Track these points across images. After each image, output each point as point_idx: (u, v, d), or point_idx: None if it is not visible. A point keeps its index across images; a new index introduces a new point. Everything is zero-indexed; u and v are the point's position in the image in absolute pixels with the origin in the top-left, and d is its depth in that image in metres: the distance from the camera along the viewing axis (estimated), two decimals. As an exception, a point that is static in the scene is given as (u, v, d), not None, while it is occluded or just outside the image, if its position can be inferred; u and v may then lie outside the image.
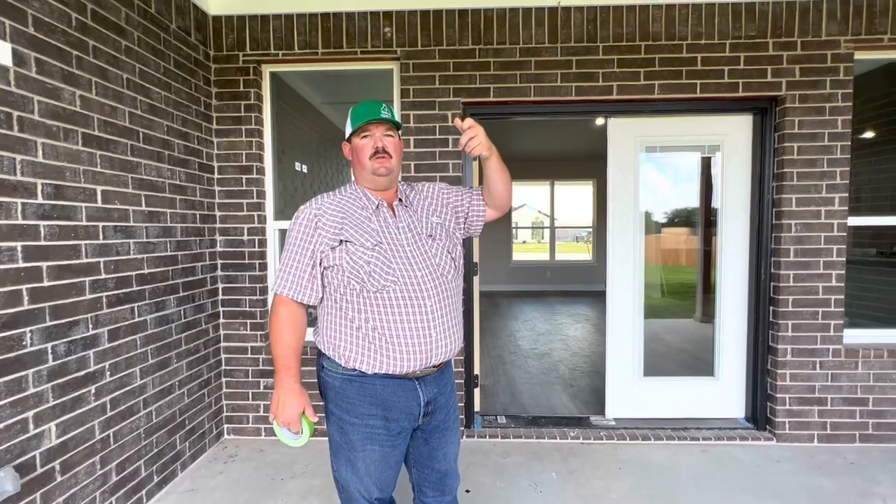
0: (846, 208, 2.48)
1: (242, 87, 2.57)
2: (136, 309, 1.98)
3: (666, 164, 2.94)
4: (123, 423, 1.91)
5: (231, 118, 2.59)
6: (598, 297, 7.35)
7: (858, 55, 2.46)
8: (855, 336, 2.57)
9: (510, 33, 2.51)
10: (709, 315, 2.92)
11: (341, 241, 1.15)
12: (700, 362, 2.88)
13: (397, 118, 1.52)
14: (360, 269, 1.13)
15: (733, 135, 2.66)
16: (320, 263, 1.17)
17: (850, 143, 2.46)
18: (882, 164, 3.45)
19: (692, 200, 3.03)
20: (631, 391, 2.79)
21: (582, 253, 11.25)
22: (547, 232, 9.11)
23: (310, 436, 1.19)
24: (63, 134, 1.63)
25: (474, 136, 1.16)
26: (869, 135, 3.48)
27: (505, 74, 2.53)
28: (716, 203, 2.75)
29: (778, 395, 2.54)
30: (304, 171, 4.01)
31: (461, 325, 1.29)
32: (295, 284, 1.17)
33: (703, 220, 2.99)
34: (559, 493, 2.11)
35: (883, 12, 2.39)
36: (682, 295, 3.73)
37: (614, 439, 2.61)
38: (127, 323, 1.93)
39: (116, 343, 1.87)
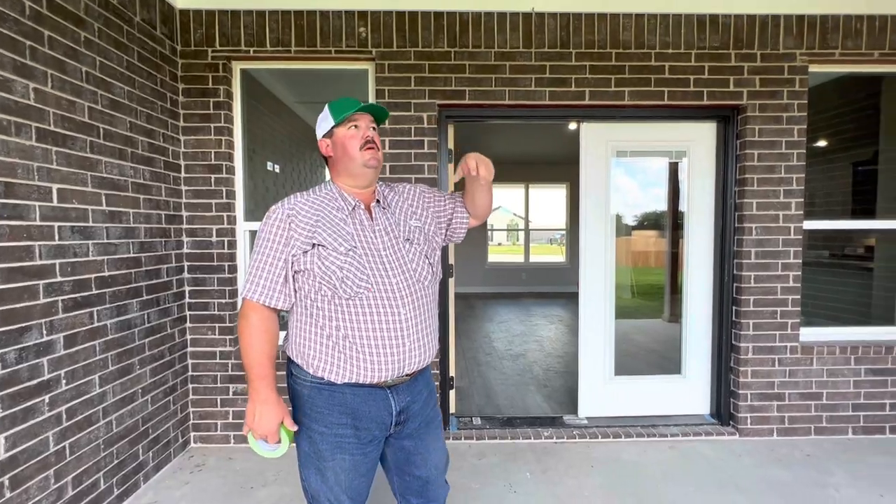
0: (802, 213, 2.61)
1: (211, 83, 2.50)
2: (95, 313, 1.89)
3: (636, 168, 3.03)
4: (81, 434, 1.81)
5: (199, 115, 2.51)
6: (571, 299, 7.49)
7: (813, 68, 2.60)
8: (810, 334, 2.70)
9: (485, 37, 2.53)
10: (676, 315, 3.01)
11: (314, 244, 1.10)
12: (668, 361, 2.97)
13: None
14: (333, 274, 1.09)
15: (699, 141, 2.77)
16: (292, 267, 1.12)
17: (805, 151, 2.59)
18: (834, 171, 3.67)
19: (661, 204, 3.13)
20: (603, 390, 2.85)
21: (556, 255, 11.46)
22: (522, 234, 9.21)
23: (289, 445, 1.13)
24: (15, 129, 1.54)
25: (484, 164, 1.21)
26: (822, 143, 3.68)
27: (480, 77, 2.54)
28: (683, 207, 2.85)
29: (740, 392, 2.65)
30: (277, 170, 3.93)
31: (437, 332, 1.26)
32: (266, 289, 1.11)
33: (671, 223, 3.09)
34: (533, 493, 2.13)
35: (834, 28, 2.54)
36: (652, 296, 3.85)
37: (587, 438, 2.66)
38: (85, 328, 1.84)
39: (73, 350, 1.78)
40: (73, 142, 1.79)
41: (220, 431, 2.59)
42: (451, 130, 2.75)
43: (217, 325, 2.56)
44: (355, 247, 1.13)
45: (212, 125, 2.51)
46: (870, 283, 3.25)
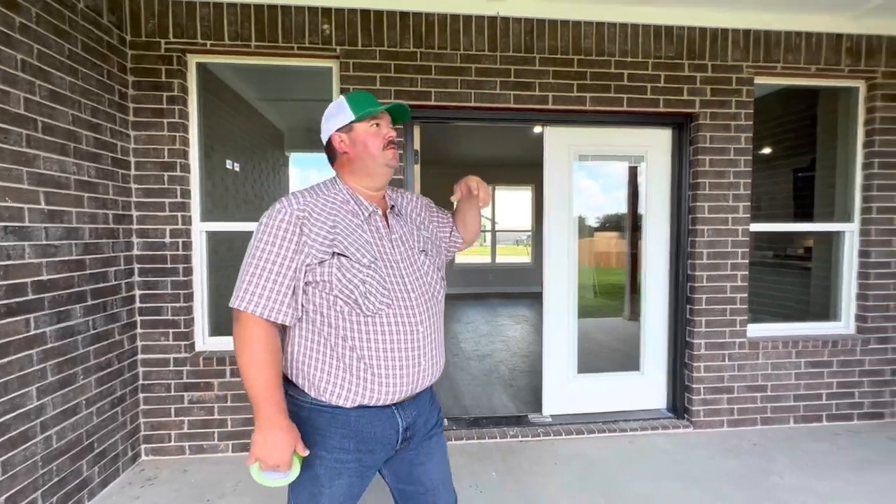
0: (749, 216, 2.77)
1: (165, 76, 2.38)
2: (31, 321, 1.75)
3: (598, 172, 3.13)
4: (15, 451, 1.67)
5: (151, 110, 2.38)
6: (537, 299, 7.61)
7: (758, 80, 2.77)
8: (756, 330, 2.87)
9: (451, 39, 2.54)
10: (636, 314, 3.13)
11: (334, 253, 0.99)
12: (628, 358, 3.07)
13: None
14: (355, 289, 0.99)
15: (656, 147, 2.88)
16: (304, 277, 1.00)
17: (751, 158, 2.75)
18: (777, 177, 3.92)
19: (621, 207, 3.24)
20: (566, 389, 2.92)
21: (522, 256, 11.65)
22: (489, 235, 9.31)
23: (298, 471, 1.00)
24: (-63, 119, 1.41)
25: (484, 187, 1.24)
26: (767, 151, 3.93)
27: (446, 79, 2.55)
28: (641, 209, 2.96)
29: (694, 386, 2.78)
30: (237, 169, 3.79)
31: (444, 347, 1.19)
32: (271, 301, 0.97)
33: (631, 225, 3.21)
34: (499, 492, 2.15)
35: (776, 44, 2.71)
36: (613, 295, 3.97)
37: (551, 435, 2.71)
38: (20, 337, 1.70)
39: (6, 360, 1.64)
40: (7, 135, 1.65)
41: (174, 443, 2.47)
42: (416, 131, 2.74)
43: (171, 330, 2.43)
44: (376, 259, 1.03)
45: (165, 120, 2.39)
46: (808, 281, 3.48)
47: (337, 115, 1.10)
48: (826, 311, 3.10)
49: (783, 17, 2.68)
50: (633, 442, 2.65)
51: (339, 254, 0.99)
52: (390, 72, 2.52)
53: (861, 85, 2.88)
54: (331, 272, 0.99)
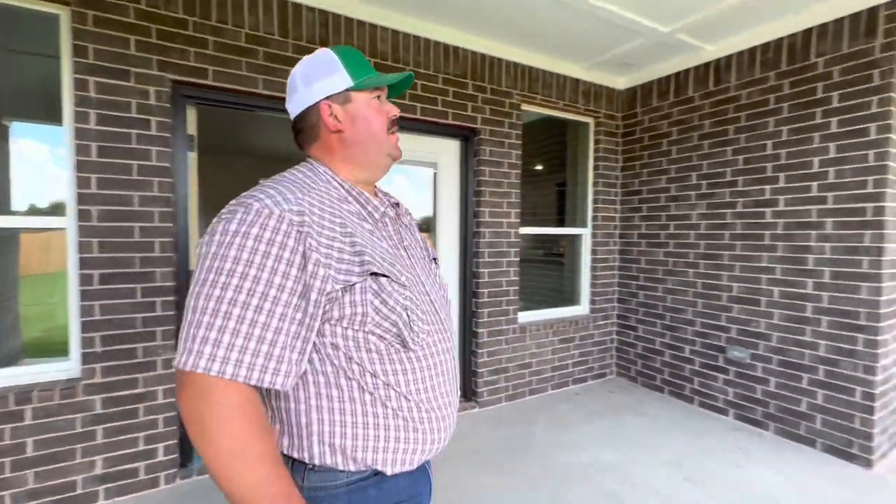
0: (520, 220, 3.28)
1: None
2: None
3: (413, 174, 3.25)
4: None
5: None
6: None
7: (524, 106, 3.30)
8: (525, 316, 3.43)
9: (233, 14, 2.25)
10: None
11: (371, 273, 0.72)
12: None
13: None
14: (398, 318, 0.74)
15: (447, 155, 3.15)
16: (322, 315, 0.70)
17: (521, 171, 3.27)
18: (545, 189, 4.78)
19: (429, 209, 3.44)
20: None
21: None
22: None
23: None
24: None
25: None
26: (538, 167, 4.74)
27: (228, 59, 2.25)
28: (436, 212, 3.19)
29: (479, 370, 3.15)
30: None
31: None
32: (266, 357, 0.65)
33: (435, 225, 3.43)
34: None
35: (536, 78, 3.28)
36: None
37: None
38: None
39: None
40: None
41: None
42: (191, 113, 2.34)
43: None
44: (404, 271, 0.79)
45: None
46: (563, 274, 4.36)
47: (328, 76, 0.81)
48: (573, 297, 3.92)
49: (541, 57, 3.26)
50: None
51: (376, 274, 0.73)
52: (151, 37, 2.08)
53: (591, 121, 3.73)
54: (364, 300, 0.71)
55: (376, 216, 0.82)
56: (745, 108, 2.91)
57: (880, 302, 2.38)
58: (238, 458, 0.63)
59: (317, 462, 0.74)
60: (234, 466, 0.63)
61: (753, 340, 2.88)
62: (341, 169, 0.84)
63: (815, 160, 2.60)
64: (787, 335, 2.72)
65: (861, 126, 2.42)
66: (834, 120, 2.53)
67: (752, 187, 2.89)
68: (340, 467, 0.74)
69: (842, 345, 2.51)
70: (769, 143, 2.80)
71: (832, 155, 2.53)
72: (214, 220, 0.70)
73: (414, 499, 0.81)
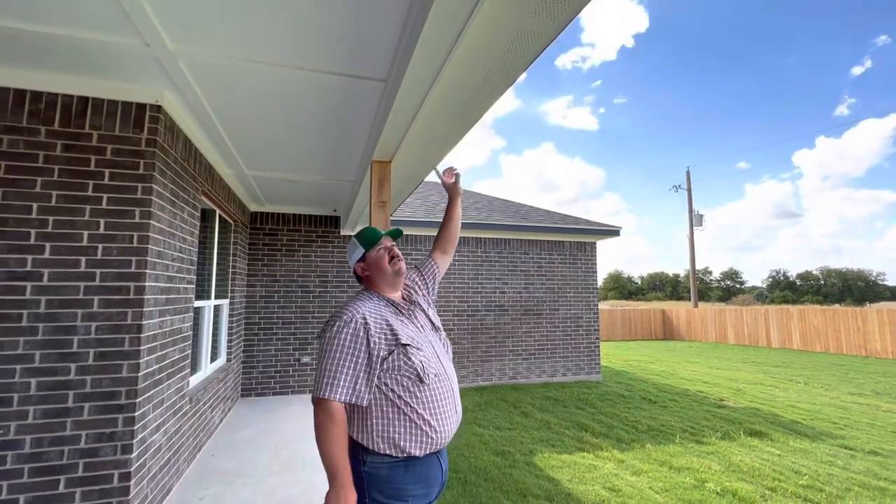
0: None
1: None
2: None
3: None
4: None
5: None
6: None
7: None
8: None
9: None
10: None
11: (400, 344, 1.41)
12: None
13: None
14: (418, 367, 1.40)
15: None
16: (378, 367, 1.38)
17: None
18: None
19: None
20: None
21: None
22: None
23: None
24: None
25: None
26: None
27: None
28: None
29: None
30: None
31: None
32: (350, 387, 1.36)
33: None
34: None
35: None
36: None
37: None
38: None
39: None
40: None
41: None
42: None
43: None
44: (423, 343, 1.48)
45: None
46: None
47: (353, 252, 1.64)
48: None
49: None
50: None
51: (404, 344, 1.41)
52: None
53: None
54: (398, 358, 1.39)
55: (403, 311, 1.54)
56: (5, 157, 2.36)
57: (139, 377, 2.47)
58: (335, 445, 1.32)
59: (374, 448, 1.37)
60: (332, 447, 1.32)
61: (1, 453, 2.22)
62: (380, 289, 1.60)
63: (86, 234, 2.45)
64: (45, 434, 2.29)
65: (128, 208, 2.53)
66: (105, 196, 2.50)
67: (9, 255, 2.32)
68: (389, 452, 1.37)
69: (103, 430, 2.38)
70: (35, 205, 2.38)
71: (102, 231, 2.48)
72: (327, 323, 1.46)
73: (429, 476, 1.42)
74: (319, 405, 1.33)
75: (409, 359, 1.38)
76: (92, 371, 2.39)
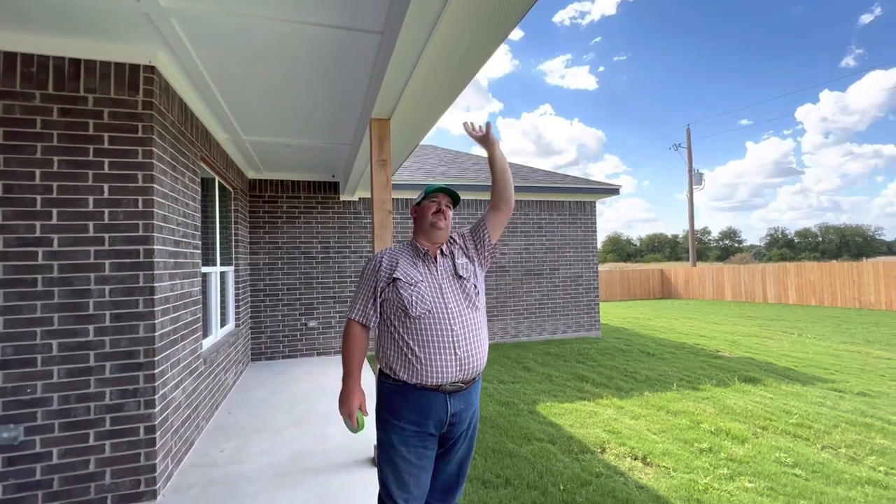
0: None
1: None
2: None
3: None
4: None
5: None
6: None
7: None
8: None
9: None
10: None
11: (393, 278, 1.60)
12: None
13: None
14: (406, 299, 1.56)
15: None
16: (380, 296, 1.63)
17: None
18: None
19: None
20: None
21: None
22: None
23: (363, 427, 1.62)
24: None
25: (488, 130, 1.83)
26: None
27: None
28: None
29: None
30: None
31: (486, 346, 1.66)
32: (361, 311, 1.65)
33: None
34: None
35: None
36: None
37: None
38: None
39: None
40: None
41: None
42: None
43: None
44: (421, 281, 1.61)
45: None
46: None
47: (419, 197, 1.80)
48: None
49: None
50: None
51: (395, 278, 1.60)
52: None
53: None
54: (391, 290, 1.60)
55: (421, 256, 1.69)
56: (3, 123, 2.34)
57: (155, 337, 2.56)
58: (348, 353, 1.65)
59: (385, 370, 1.63)
60: (351, 356, 1.65)
61: (28, 411, 2.33)
62: (416, 236, 1.78)
63: (91, 199, 2.47)
64: (71, 392, 2.40)
65: (131, 172, 2.54)
66: (107, 160, 2.50)
67: (18, 221, 2.35)
68: (388, 374, 1.61)
69: (126, 387, 2.49)
70: (38, 171, 2.39)
71: (107, 196, 2.49)
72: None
73: (423, 408, 1.55)
74: (346, 323, 1.68)
75: (399, 291, 1.57)
76: (110, 332, 2.48)
